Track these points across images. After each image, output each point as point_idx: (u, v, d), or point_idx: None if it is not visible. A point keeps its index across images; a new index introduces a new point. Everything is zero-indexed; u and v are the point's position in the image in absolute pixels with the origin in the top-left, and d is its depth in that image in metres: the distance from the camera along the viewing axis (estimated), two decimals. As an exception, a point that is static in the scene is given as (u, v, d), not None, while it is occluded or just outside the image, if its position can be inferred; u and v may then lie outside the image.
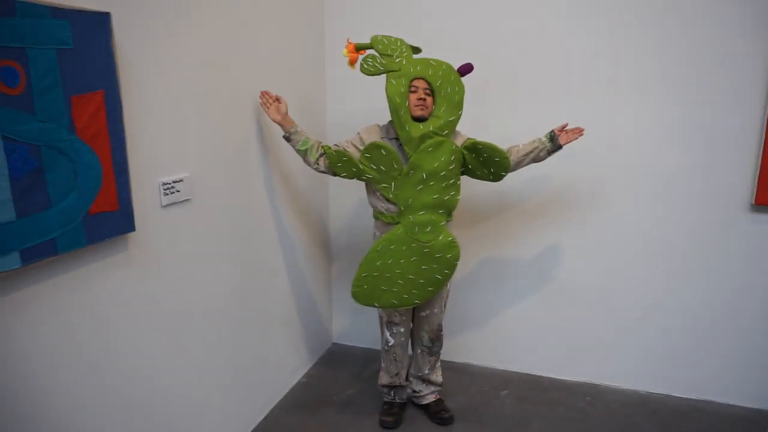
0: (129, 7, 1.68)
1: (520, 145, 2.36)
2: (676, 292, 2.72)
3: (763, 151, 2.42)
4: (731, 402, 2.74)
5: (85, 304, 1.62)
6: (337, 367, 3.13)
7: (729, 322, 2.67)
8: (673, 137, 2.58)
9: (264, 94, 2.31)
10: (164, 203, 1.89)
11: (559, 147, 2.32)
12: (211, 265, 2.18)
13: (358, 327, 3.33)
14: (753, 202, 2.49)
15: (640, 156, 2.64)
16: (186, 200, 2.00)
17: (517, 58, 2.72)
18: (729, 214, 2.57)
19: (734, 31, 2.42)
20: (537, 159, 2.36)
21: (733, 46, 2.43)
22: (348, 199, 3.17)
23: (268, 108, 2.30)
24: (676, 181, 2.62)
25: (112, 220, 1.64)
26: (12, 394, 1.42)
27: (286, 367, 2.87)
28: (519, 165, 2.36)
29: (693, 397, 2.79)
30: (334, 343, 3.42)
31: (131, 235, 1.75)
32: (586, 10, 2.58)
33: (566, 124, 2.32)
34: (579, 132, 2.32)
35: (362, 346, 3.34)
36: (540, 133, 2.38)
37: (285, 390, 2.85)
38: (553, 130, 2.32)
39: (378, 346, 3.08)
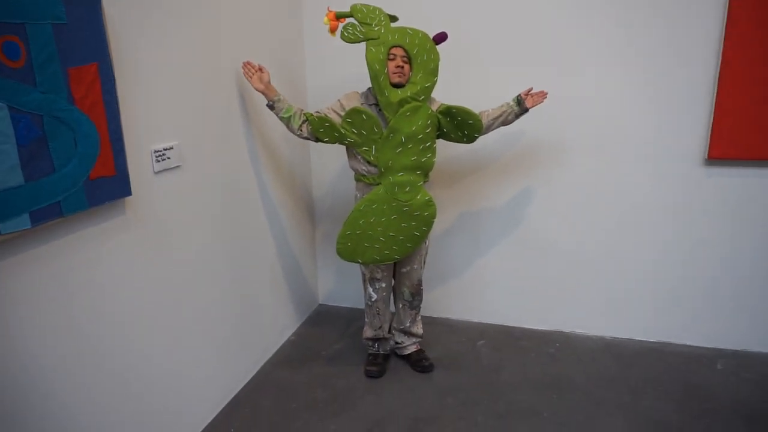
0: (117, -18, 1.76)
1: (490, 110, 2.51)
2: (636, 244, 2.93)
3: (715, 109, 2.61)
4: (686, 342, 2.99)
5: (88, 264, 1.74)
6: (324, 325, 3.31)
7: (684, 270, 2.90)
8: (632, 98, 2.75)
9: (246, 64, 2.39)
10: (157, 170, 2.00)
11: (526, 110, 2.47)
12: (202, 229, 2.31)
13: (343, 288, 3.50)
14: (707, 157, 2.69)
15: (602, 116, 2.81)
16: (177, 167, 2.11)
17: (487, 27, 2.84)
18: (685, 168, 2.77)
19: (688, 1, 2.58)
20: (506, 122, 2.52)
21: (687, 12, 2.58)
22: (330, 165, 3.30)
23: (251, 77, 2.38)
24: (635, 138, 2.80)
25: (110, 185, 1.75)
26: (22, 346, 1.55)
27: (276, 326, 3.03)
28: (489, 128, 2.51)
29: (652, 339, 3.04)
30: (321, 304, 3.59)
31: (128, 199, 1.87)
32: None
33: (531, 89, 2.47)
34: (543, 95, 2.47)
35: (347, 306, 3.52)
36: (508, 98, 2.52)
37: (275, 347, 3.01)
38: (519, 95, 2.47)
39: (362, 306, 3.26)
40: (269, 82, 2.41)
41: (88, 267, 1.74)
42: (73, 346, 1.70)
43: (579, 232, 3.01)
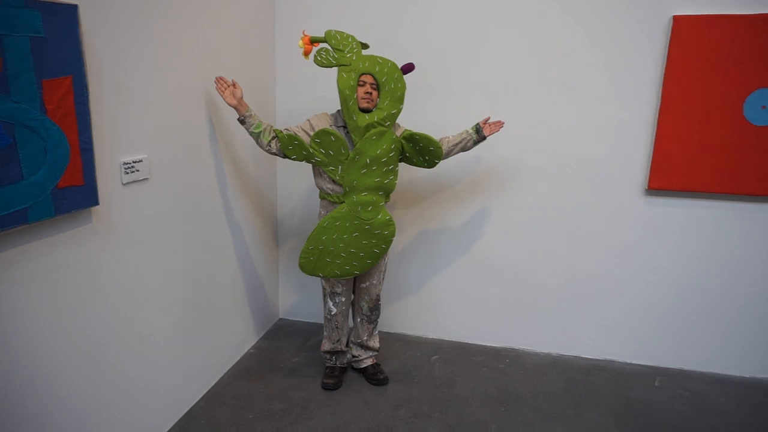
0: (94, 0, 1.82)
1: (451, 136, 2.65)
2: (583, 266, 3.12)
3: (654, 144, 2.82)
4: (628, 360, 3.17)
5: (52, 270, 1.76)
6: (284, 339, 3.35)
7: (626, 291, 3.10)
8: (581, 131, 2.95)
9: (219, 79, 2.43)
10: (125, 181, 2.04)
11: (484, 138, 2.63)
12: (167, 241, 2.34)
13: (303, 303, 3.56)
14: (647, 187, 2.90)
15: (554, 146, 2.99)
16: (144, 179, 2.15)
17: (451, 59, 3.00)
18: (628, 197, 2.97)
19: (634, 44, 2.79)
20: (465, 148, 2.66)
21: (633, 55, 2.80)
22: (296, 183, 3.37)
23: (223, 92, 2.43)
24: (583, 168, 2.99)
25: (78, 194, 1.79)
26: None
27: (236, 338, 3.06)
28: (449, 154, 2.65)
29: (597, 357, 3.21)
30: (281, 318, 3.63)
31: (95, 209, 1.90)
32: (512, 22, 2.90)
33: (488, 118, 2.63)
34: (500, 125, 2.64)
35: (307, 320, 3.58)
36: (468, 125, 2.67)
37: (234, 359, 3.04)
38: (478, 123, 2.63)
39: (321, 321, 3.33)
40: (242, 97, 2.46)
41: (52, 273, 1.76)
42: (31, 350, 1.71)
43: (529, 254, 3.17)
